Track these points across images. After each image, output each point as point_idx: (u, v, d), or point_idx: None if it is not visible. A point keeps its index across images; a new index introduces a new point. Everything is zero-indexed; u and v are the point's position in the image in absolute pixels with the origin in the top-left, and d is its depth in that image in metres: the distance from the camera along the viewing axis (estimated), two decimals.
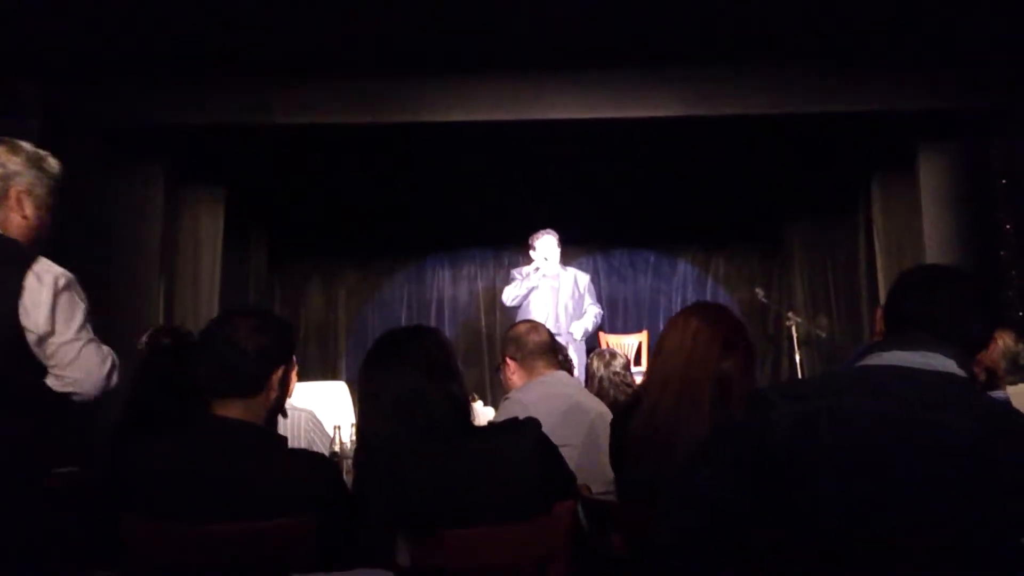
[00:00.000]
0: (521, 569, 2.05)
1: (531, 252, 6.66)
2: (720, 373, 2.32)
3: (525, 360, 3.25)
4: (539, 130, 6.06)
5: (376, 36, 5.29)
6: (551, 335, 3.38)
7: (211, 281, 6.47)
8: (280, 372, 2.12)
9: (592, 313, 6.57)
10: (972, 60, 5.56)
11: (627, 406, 2.58)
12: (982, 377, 1.83)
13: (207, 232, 6.51)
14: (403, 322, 7.91)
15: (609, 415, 3.06)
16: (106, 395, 2.52)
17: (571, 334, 6.35)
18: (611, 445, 2.53)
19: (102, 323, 5.42)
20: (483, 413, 4.85)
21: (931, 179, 6.02)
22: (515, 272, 6.83)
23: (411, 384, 2.15)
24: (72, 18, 4.95)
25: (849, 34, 5.32)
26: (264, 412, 2.10)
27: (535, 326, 3.38)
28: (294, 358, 3.81)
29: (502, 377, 3.39)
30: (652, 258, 8.29)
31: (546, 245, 6.59)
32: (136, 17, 4.97)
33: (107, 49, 5.30)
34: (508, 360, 3.30)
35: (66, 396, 2.48)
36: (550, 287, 6.55)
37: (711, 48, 5.53)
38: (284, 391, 2.16)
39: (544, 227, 6.67)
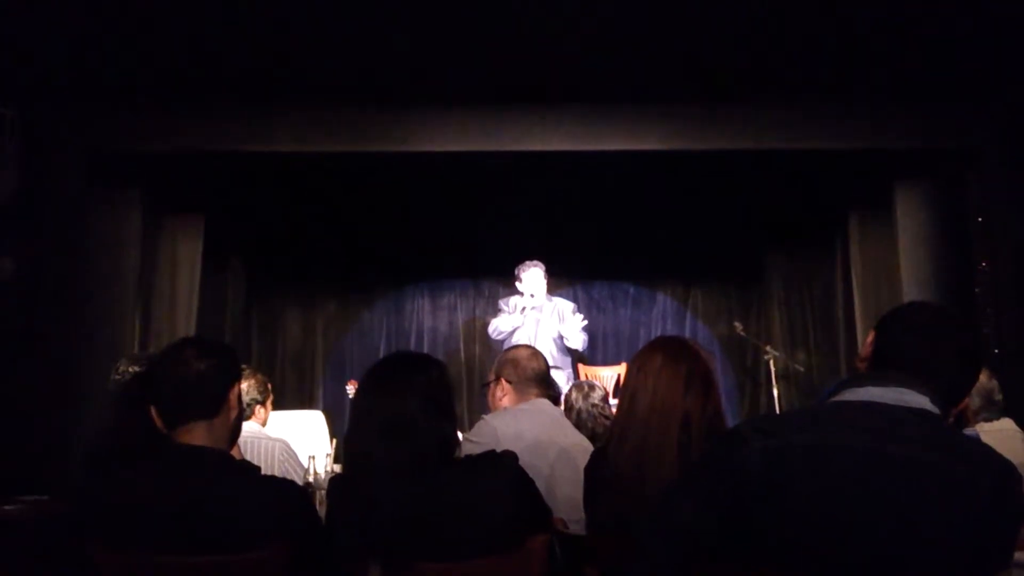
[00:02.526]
0: None
1: (517, 284, 6.63)
2: (684, 409, 2.33)
3: (519, 384, 3.23)
4: (520, 162, 6.09)
5: (357, 66, 5.31)
6: (548, 367, 3.37)
7: (188, 309, 6.43)
8: (235, 389, 2.17)
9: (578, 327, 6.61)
10: (949, 99, 5.63)
11: (600, 447, 2.58)
12: (952, 418, 1.83)
13: (185, 259, 6.47)
14: (382, 352, 7.87)
15: (585, 447, 3.05)
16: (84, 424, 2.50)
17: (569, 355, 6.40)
18: (584, 483, 2.53)
19: (78, 349, 5.43)
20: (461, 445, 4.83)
21: (908, 216, 6.08)
22: (502, 303, 6.79)
23: (406, 410, 2.14)
24: (52, 45, 4.95)
25: (828, 72, 5.38)
26: (227, 434, 2.13)
27: (535, 353, 3.36)
28: (269, 386, 3.82)
29: (489, 396, 3.35)
30: (632, 290, 8.30)
31: (533, 278, 6.55)
32: (116, 44, 4.98)
33: (87, 76, 5.30)
34: (503, 381, 3.27)
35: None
36: (533, 319, 6.53)
37: (692, 84, 5.58)
38: (241, 409, 2.20)
39: (525, 258, 6.65)
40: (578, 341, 6.52)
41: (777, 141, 5.81)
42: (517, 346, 3.59)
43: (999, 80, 5.37)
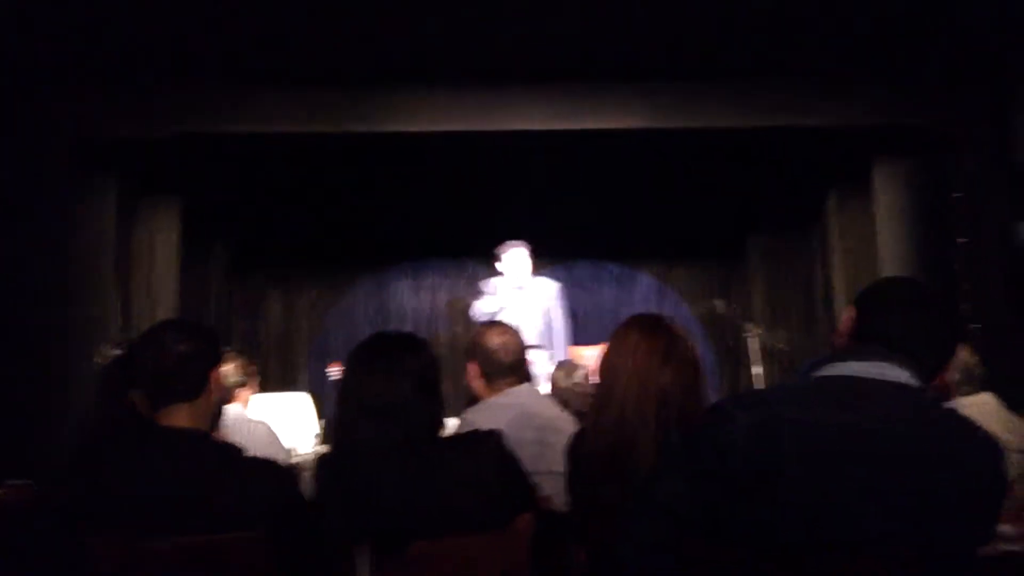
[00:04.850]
0: None
1: (497, 265, 6.59)
2: (661, 385, 2.32)
3: (487, 375, 3.17)
4: (502, 141, 6.06)
5: (338, 45, 5.27)
6: (522, 351, 3.23)
7: (168, 293, 6.38)
8: (216, 371, 2.17)
9: (561, 343, 6.58)
10: (926, 77, 5.65)
11: (581, 428, 2.58)
12: (932, 391, 1.84)
13: (164, 243, 6.43)
14: (364, 333, 7.82)
15: (563, 423, 3.05)
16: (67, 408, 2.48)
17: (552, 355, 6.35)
18: (566, 463, 2.53)
19: (59, 334, 5.40)
20: (450, 426, 4.83)
21: (886, 193, 6.10)
22: (483, 286, 6.75)
23: (397, 395, 2.14)
24: (25, 29, 4.89)
25: (807, 50, 5.38)
26: (208, 415, 2.13)
27: (505, 344, 3.17)
28: (252, 369, 3.81)
29: (467, 375, 3.27)
30: (613, 270, 8.32)
31: (515, 259, 6.49)
32: (91, 28, 4.92)
33: (61, 60, 5.24)
34: (471, 367, 3.20)
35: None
36: (519, 300, 6.48)
37: (673, 63, 5.57)
38: (223, 391, 2.20)
39: (507, 238, 6.61)
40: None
41: (757, 119, 5.80)
42: (491, 327, 3.32)
43: (977, 57, 5.39)
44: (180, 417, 2.07)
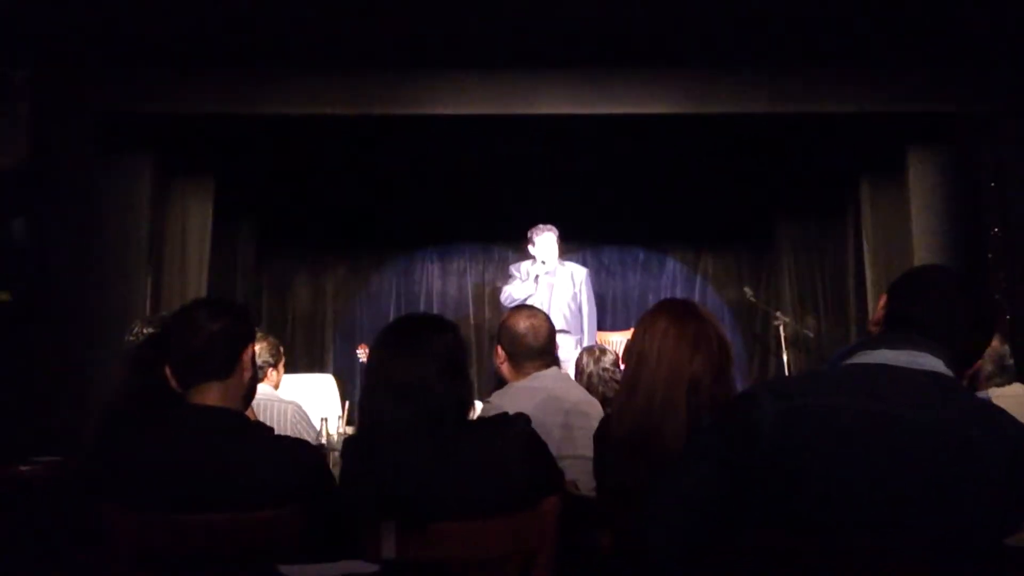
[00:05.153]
0: (506, 563, 2.05)
1: (530, 247, 6.58)
2: (692, 372, 2.30)
3: (514, 358, 3.18)
4: (530, 125, 6.05)
5: (369, 28, 5.28)
6: (550, 335, 3.23)
7: (199, 272, 6.43)
8: (249, 350, 2.17)
9: (589, 327, 6.57)
10: (962, 64, 5.58)
11: (609, 414, 2.57)
12: (966, 381, 1.82)
13: (195, 223, 6.47)
14: (391, 316, 7.86)
15: (590, 407, 3.06)
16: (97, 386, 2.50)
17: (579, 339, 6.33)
18: (594, 448, 2.52)
19: (90, 312, 5.45)
20: (476, 409, 4.85)
21: (920, 182, 6.04)
22: (513, 269, 6.73)
23: (424, 377, 2.14)
24: (63, 5, 4.92)
25: (841, 35, 5.33)
26: (240, 394, 2.14)
27: (534, 327, 3.17)
28: (281, 349, 3.83)
29: (495, 358, 3.30)
30: (641, 256, 8.28)
31: (546, 243, 6.45)
32: (126, 5, 4.95)
33: (98, 37, 5.27)
34: (499, 350, 3.22)
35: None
36: (547, 284, 6.48)
37: (704, 47, 5.54)
38: (256, 370, 2.21)
39: (535, 223, 6.60)
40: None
41: (789, 105, 5.76)
42: (520, 310, 3.33)
43: (1013, 44, 5.31)
44: (211, 395, 2.08)
